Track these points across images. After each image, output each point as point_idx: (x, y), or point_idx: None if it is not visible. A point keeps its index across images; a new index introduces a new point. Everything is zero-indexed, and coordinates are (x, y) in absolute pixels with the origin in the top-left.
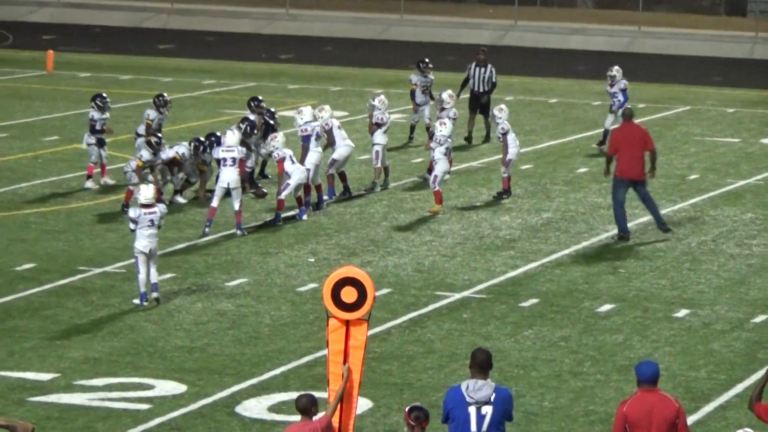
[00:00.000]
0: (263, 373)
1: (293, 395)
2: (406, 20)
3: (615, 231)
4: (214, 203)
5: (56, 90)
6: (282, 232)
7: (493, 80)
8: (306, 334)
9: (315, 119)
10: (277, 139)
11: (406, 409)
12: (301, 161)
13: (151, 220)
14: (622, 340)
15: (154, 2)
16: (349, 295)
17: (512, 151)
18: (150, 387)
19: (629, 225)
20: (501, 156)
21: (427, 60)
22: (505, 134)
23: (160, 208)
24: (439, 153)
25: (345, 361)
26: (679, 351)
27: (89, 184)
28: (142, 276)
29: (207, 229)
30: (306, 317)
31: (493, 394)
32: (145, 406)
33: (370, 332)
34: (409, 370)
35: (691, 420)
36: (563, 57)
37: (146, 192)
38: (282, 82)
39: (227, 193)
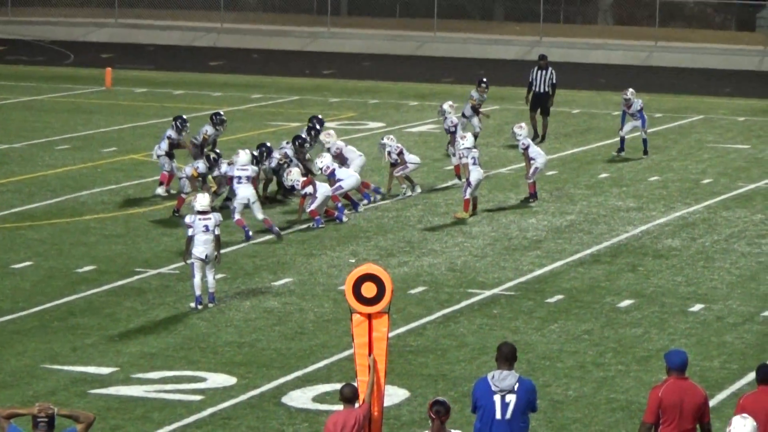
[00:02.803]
0: (308, 366)
1: (336, 386)
2: (439, 37)
3: (633, 231)
4: (238, 216)
5: (114, 104)
6: (324, 235)
7: (554, 81)
8: (347, 329)
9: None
10: (293, 173)
11: (430, 402)
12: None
13: (206, 226)
14: (641, 333)
15: (204, 22)
16: (369, 290)
17: (540, 161)
18: (202, 379)
19: (647, 227)
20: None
21: (486, 80)
22: (526, 149)
23: (216, 216)
24: (470, 165)
25: (370, 353)
26: (694, 343)
27: (160, 190)
28: (196, 280)
29: (249, 234)
30: (347, 314)
31: (517, 384)
32: (198, 398)
33: (407, 327)
34: (444, 362)
35: None
36: (585, 70)
37: (202, 200)
38: (324, 96)
39: (247, 206)
